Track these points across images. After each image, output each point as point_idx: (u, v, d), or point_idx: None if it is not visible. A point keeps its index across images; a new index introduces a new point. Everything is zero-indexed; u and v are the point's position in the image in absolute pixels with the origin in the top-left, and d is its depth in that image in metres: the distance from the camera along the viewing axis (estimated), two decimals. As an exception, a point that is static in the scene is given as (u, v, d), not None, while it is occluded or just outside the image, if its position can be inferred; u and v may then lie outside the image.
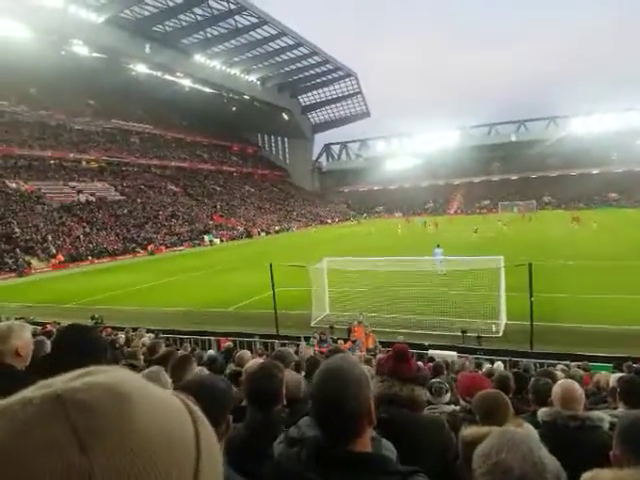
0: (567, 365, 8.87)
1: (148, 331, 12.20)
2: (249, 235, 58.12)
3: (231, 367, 5.97)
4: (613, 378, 4.73)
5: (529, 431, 2.28)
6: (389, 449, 1.84)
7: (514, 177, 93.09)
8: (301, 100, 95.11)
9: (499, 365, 8.83)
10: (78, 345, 2.12)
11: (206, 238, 51.52)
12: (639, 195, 73.46)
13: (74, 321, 14.14)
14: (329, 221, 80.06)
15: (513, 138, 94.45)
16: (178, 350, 6.71)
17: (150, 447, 0.42)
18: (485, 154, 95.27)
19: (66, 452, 0.39)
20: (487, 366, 8.50)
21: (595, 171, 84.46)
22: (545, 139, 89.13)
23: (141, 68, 64.82)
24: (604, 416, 2.75)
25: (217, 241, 52.04)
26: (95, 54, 58.75)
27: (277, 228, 65.18)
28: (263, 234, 60.63)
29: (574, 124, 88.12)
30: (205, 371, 4.27)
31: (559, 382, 3.05)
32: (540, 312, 12.34)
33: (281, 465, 1.47)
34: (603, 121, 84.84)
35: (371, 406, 1.37)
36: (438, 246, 22.65)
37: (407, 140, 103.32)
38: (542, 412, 2.87)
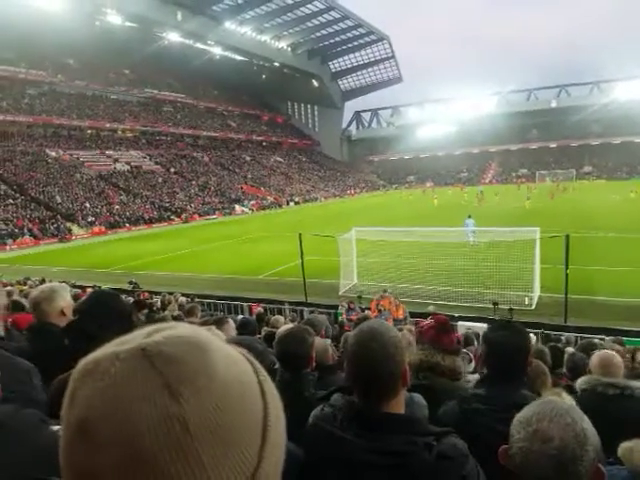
0: (602, 339, 8.72)
1: (183, 295, 12.64)
2: (278, 205, 58.39)
3: (266, 329, 6.24)
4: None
5: (567, 400, 2.29)
6: (420, 403, 1.90)
7: (553, 145, 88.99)
8: (331, 66, 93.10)
9: (531, 338, 8.73)
10: (101, 310, 2.23)
11: (237, 207, 52.15)
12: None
13: (113, 285, 14.69)
14: (351, 192, 77.41)
15: (553, 104, 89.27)
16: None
17: (229, 392, 0.45)
18: (523, 121, 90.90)
19: (160, 401, 0.41)
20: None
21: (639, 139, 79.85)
22: (588, 105, 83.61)
23: (173, 36, 64.72)
24: None
25: (247, 210, 52.64)
26: (128, 23, 58.91)
27: (297, 199, 64.31)
28: (292, 204, 60.82)
29: (619, 89, 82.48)
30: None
31: (597, 352, 3.03)
32: (575, 285, 12.05)
33: (317, 426, 1.51)
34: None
35: (406, 369, 1.40)
36: (469, 217, 22.32)
37: (441, 106, 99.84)
38: (580, 381, 2.85)
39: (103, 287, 13.37)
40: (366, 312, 11.06)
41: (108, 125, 60.30)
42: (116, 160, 54.13)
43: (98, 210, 40.93)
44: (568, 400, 2.31)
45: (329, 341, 3.86)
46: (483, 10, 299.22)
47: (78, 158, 50.68)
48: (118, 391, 0.42)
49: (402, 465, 1.30)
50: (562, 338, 8.77)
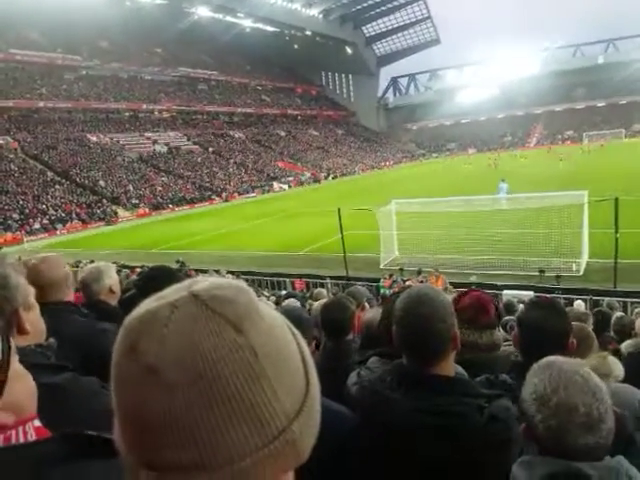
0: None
1: (228, 272, 13.02)
2: (316, 180, 58.23)
3: (310, 302, 6.44)
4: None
5: (614, 364, 2.25)
6: (461, 372, 1.92)
7: (601, 104, 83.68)
8: (365, 31, 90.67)
9: (579, 304, 8.55)
10: (158, 283, 2.34)
11: (275, 184, 52.44)
12: None
13: (161, 264, 15.32)
14: (386, 164, 74.85)
15: (601, 60, 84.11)
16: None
17: (275, 325, 0.50)
18: (568, 79, 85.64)
19: (226, 335, 0.45)
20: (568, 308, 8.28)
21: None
22: (638, 59, 78.54)
23: (202, 11, 64.60)
24: None
25: (285, 187, 52.81)
26: (157, 0, 59.05)
27: (335, 174, 63.27)
28: (330, 178, 60.50)
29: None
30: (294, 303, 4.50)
31: None
32: (624, 249, 11.57)
33: (366, 388, 1.52)
34: None
35: (456, 332, 1.40)
36: (503, 180, 22.11)
37: (482, 68, 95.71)
38: (626, 344, 2.83)
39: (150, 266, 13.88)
40: (407, 283, 11.07)
41: (145, 106, 61.31)
42: (155, 142, 55.27)
43: (141, 192, 42.15)
44: (615, 362, 2.27)
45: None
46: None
47: (118, 141, 52.07)
48: (184, 333, 0.44)
49: (453, 426, 1.30)
50: (602, 303, 8.54)
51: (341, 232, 14.32)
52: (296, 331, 0.54)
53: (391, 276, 11.86)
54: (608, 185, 22.34)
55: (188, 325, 0.45)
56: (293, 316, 1.63)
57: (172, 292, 0.49)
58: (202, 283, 0.49)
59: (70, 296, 2.10)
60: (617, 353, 3.06)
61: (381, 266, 14.71)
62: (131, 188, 42.29)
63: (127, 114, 59.86)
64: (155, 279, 2.44)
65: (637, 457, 1.46)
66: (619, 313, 6.58)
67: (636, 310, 7.84)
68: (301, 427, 0.47)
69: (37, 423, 0.81)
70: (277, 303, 5.55)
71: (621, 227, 11.17)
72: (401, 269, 13.39)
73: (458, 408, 1.32)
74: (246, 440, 0.44)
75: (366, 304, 4.17)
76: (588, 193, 13.88)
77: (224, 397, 0.43)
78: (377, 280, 12.17)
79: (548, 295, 9.99)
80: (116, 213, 37.31)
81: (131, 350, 0.45)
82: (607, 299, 8.73)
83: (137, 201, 40.22)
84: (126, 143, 52.40)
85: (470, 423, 1.29)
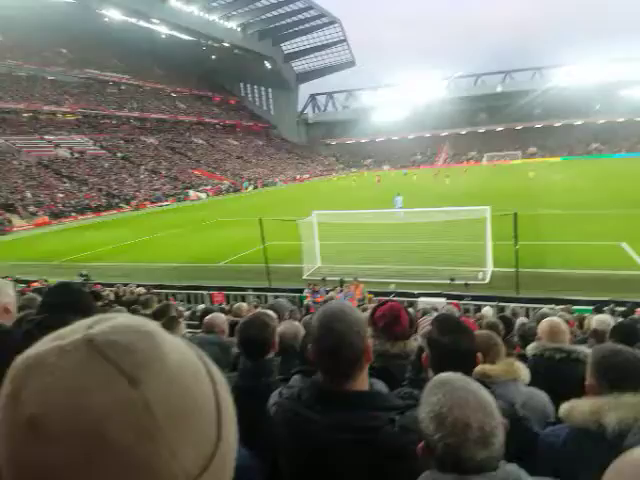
0: (552, 308, 9.19)
1: (138, 286, 12.20)
2: (236, 190, 57.27)
3: (229, 318, 6.07)
4: (595, 320, 4.92)
5: (520, 369, 2.38)
6: (379, 385, 1.90)
7: (500, 128, 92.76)
8: (284, 48, 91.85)
9: (487, 310, 9.08)
10: (67, 302, 2.13)
11: (192, 193, 50.76)
12: (621, 145, 75.01)
13: (62, 279, 14.01)
14: (305, 177, 74.46)
15: (499, 89, 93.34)
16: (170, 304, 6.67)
17: (183, 374, 0.45)
18: (471, 105, 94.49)
19: (118, 388, 0.41)
20: (482, 312, 8.77)
21: (578, 122, 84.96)
22: (531, 90, 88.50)
23: (114, 14, 61.63)
24: (588, 351, 2.88)
25: (203, 196, 51.33)
26: (64, -2, 55.43)
27: (255, 184, 62.55)
28: (250, 188, 59.82)
29: (559, 75, 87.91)
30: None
31: (545, 319, 3.18)
32: (524, 259, 12.60)
33: (282, 406, 1.52)
34: (587, 72, 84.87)
35: (369, 344, 1.44)
36: (398, 194, 24.22)
37: (394, 91, 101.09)
38: (530, 347, 3.01)
39: (49, 280, 12.72)
40: (330, 294, 11.15)
41: (46, 108, 56.67)
42: (57, 145, 51.25)
43: (40, 199, 38.68)
44: (522, 367, 2.40)
45: (300, 325, 3.80)
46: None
47: (14, 144, 47.55)
48: (70, 383, 0.40)
49: (368, 440, 1.33)
50: (507, 309, 9.18)
51: (263, 242, 14.11)
52: (216, 375, 0.50)
53: (314, 286, 11.88)
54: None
55: (75, 374, 0.41)
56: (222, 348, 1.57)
57: (69, 332, 0.45)
58: (103, 324, 0.45)
59: None
60: (522, 356, 3.23)
61: (304, 276, 14.71)
62: (28, 195, 38.66)
63: (26, 115, 54.92)
64: (62, 299, 2.21)
65: (542, 452, 1.73)
66: (522, 319, 7.08)
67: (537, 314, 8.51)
68: None
69: None
70: (202, 318, 5.12)
71: (522, 239, 12.16)
72: (323, 279, 13.46)
73: (371, 423, 1.35)
74: None
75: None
76: (491, 208, 14.98)
77: (109, 455, 0.39)
78: (301, 290, 12.11)
79: (458, 302, 10.56)
80: (10, 222, 33.82)
81: (13, 397, 0.42)
82: (512, 305, 9.39)
83: (35, 209, 36.82)
84: (24, 146, 47.96)
85: (382, 437, 1.33)
